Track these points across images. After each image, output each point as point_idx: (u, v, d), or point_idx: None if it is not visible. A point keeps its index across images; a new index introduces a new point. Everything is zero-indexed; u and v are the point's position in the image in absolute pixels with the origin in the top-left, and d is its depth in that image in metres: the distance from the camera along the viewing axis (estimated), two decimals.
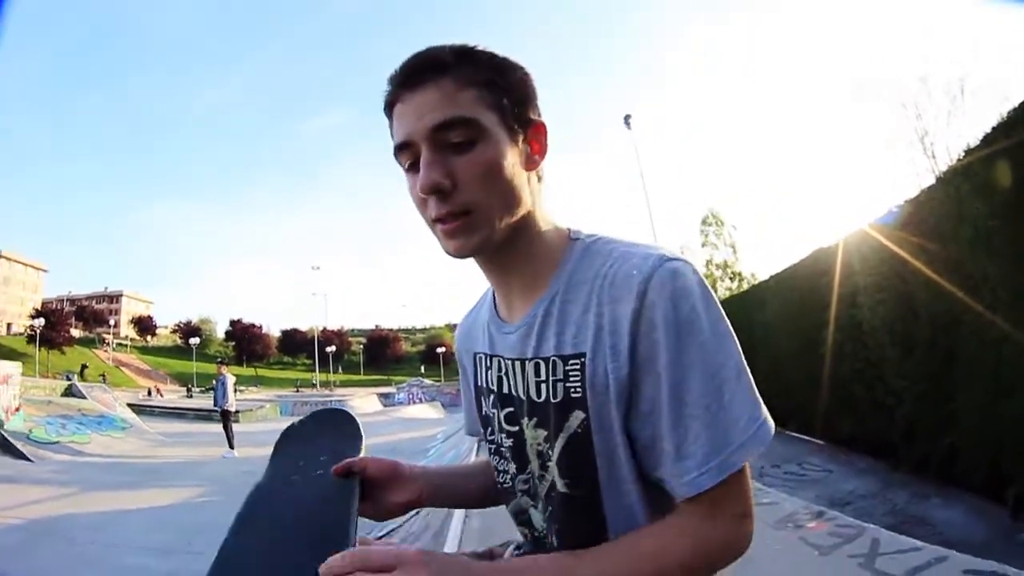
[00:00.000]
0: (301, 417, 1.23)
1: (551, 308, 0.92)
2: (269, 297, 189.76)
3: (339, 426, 1.18)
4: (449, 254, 0.90)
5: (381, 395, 37.87)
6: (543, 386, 0.92)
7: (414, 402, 35.34)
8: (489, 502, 1.23)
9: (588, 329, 0.86)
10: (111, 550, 5.66)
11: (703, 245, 33.51)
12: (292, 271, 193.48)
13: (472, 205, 0.86)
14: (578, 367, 0.87)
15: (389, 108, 0.91)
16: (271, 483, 1.05)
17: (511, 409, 1.01)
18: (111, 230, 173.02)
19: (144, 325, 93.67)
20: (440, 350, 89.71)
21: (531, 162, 0.93)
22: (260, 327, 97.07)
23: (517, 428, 0.99)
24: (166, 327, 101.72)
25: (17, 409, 12.62)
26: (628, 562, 0.81)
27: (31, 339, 58.51)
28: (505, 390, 1.01)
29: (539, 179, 0.96)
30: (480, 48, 0.90)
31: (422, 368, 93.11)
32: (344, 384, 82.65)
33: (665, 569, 0.80)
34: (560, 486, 0.93)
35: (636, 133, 20.60)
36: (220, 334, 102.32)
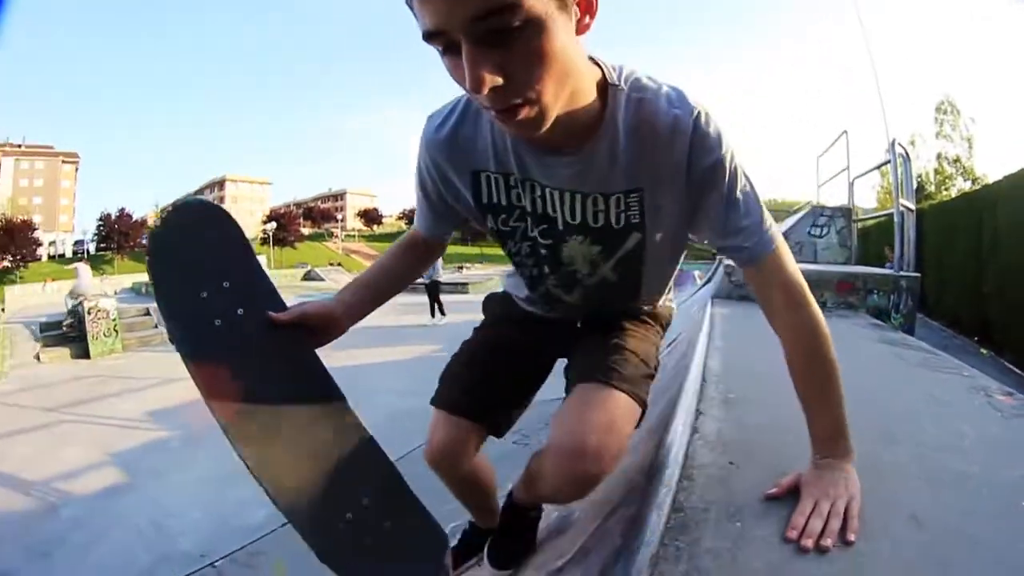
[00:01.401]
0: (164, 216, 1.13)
1: (614, 150, 1.07)
2: None
3: (219, 229, 1.16)
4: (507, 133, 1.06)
5: None
6: (601, 215, 1.17)
7: None
8: (400, 289, 1.47)
9: (647, 171, 1.09)
10: (363, 393, 6.53)
11: (937, 136, 29.36)
12: None
13: (530, 97, 0.83)
14: (637, 199, 1.14)
15: None
16: (194, 320, 1.08)
17: (546, 226, 1.23)
18: (330, 140, 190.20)
19: (370, 216, 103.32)
20: None
21: (582, 27, 0.88)
22: None
23: (551, 241, 1.25)
24: (391, 216, 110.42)
25: None
26: (811, 373, 1.13)
27: (264, 241, 66.90)
28: (541, 211, 1.20)
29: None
30: None
31: None
32: None
33: (805, 338, 1.13)
34: (612, 278, 1.30)
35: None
36: None
